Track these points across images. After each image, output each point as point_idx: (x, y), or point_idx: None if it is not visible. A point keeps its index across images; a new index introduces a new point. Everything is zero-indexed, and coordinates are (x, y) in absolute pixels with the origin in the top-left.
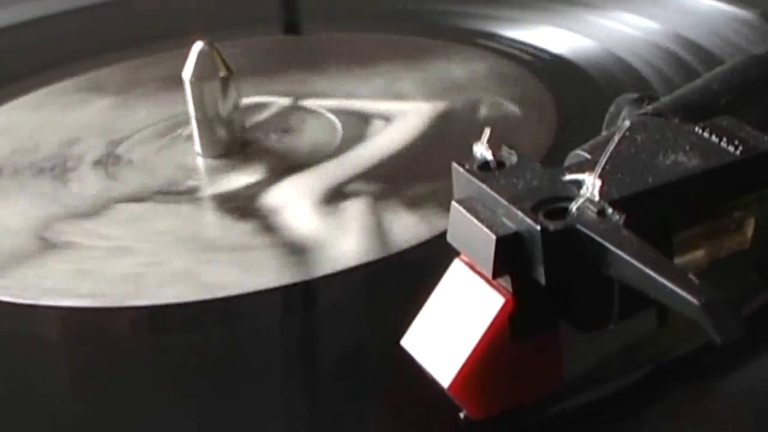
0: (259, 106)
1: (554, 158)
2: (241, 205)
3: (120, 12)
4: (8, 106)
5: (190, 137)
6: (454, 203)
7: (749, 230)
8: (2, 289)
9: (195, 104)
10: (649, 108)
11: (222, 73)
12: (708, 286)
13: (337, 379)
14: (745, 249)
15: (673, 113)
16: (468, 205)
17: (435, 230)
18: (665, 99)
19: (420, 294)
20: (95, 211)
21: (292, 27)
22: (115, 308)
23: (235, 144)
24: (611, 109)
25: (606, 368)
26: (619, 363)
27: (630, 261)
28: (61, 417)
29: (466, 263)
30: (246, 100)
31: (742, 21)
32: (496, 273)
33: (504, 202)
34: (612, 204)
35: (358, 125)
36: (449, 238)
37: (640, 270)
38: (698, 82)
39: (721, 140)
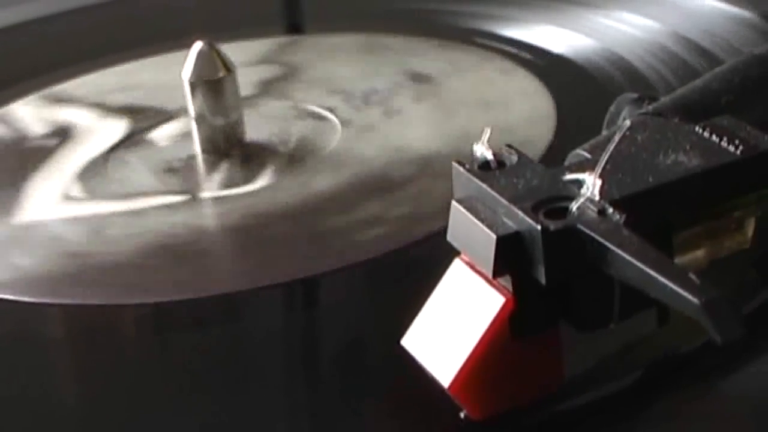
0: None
1: (554, 158)
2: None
3: (120, 12)
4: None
5: (189, 137)
6: (454, 203)
7: (750, 230)
8: None
9: (195, 104)
10: (650, 108)
11: (222, 73)
12: (708, 286)
13: (336, 378)
14: (745, 249)
15: (674, 113)
16: (468, 204)
17: (435, 229)
18: (665, 99)
19: (420, 293)
20: None
21: (293, 27)
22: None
23: (235, 144)
24: (611, 108)
25: (606, 368)
26: (619, 363)
27: (630, 260)
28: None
29: (467, 263)
30: (246, 100)
31: (743, 21)
32: (497, 272)
33: (504, 201)
34: (612, 203)
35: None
36: (449, 238)
37: (641, 269)
38: (698, 81)
39: (721, 140)
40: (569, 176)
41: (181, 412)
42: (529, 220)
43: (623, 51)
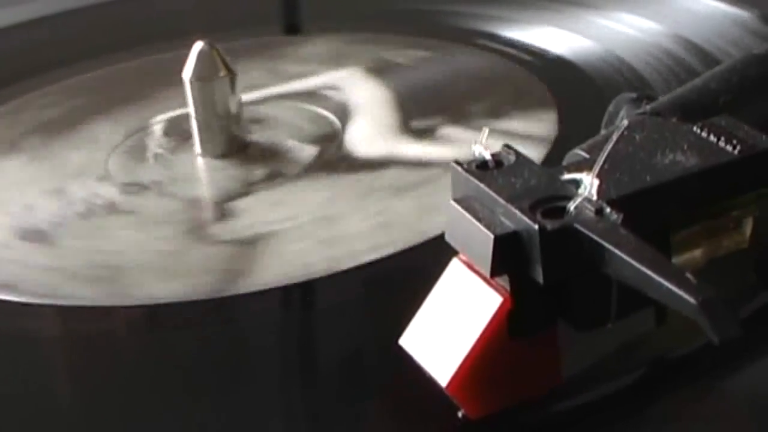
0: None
1: (554, 159)
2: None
3: (120, 12)
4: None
5: (189, 137)
6: (452, 202)
7: (747, 229)
8: None
9: (195, 104)
10: (648, 107)
11: (222, 73)
12: (706, 285)
13: (334, 378)
14: (743, 248)
15: (672, 112)
16: (466, 204)
17: (432, 230)
18: (664, 98)
19: (418, 293)
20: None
21: (292, 27)
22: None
23: (235, 144)
24: (610, 108)
25: (605, 368)
26: (618, 362)
27: (627, 260)
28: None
29: (464, 262)
30: (246, 100)
31: (742, 21)
32: (494, 272)
33: (502, 201)
34: (610, 203)
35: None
36: (447, 238)
37: (638, 269)
38: (697, 81)
39: (719, 139)
40: (567, 176)
41: (181, 412)
42: (527, 220)
43: (623, 52)
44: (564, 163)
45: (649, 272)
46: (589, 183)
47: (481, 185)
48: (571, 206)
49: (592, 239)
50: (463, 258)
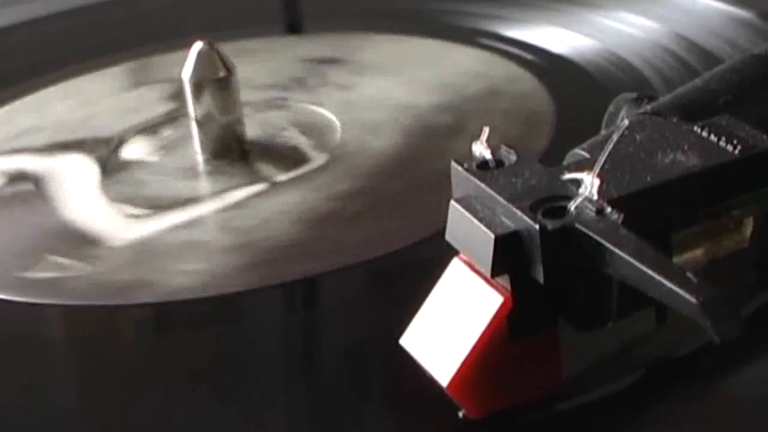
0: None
1: (554, 159)
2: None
3: (120, 12)
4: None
5: (189, 137)
6: (452, 202)
7: (748, 229)
8: None
9: (195, 104)
10: (648, 107)
11: (222, 73)
12: (706, 285)
13: (335, 377)
14: (744, 248)
15: (672, 112)
16: (467, 204)
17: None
18: (664, 98)
19: (419, 293)
20: None
21: (293, 27)
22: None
23: (235, 144)
24: (610, 108)
25: (606, 368)
26: (619, 363)
27: (628, 260)
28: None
29: (465, 262)
30: (246, 100)
31: (742, 21)
32: (495, 272)
33: (503, 201)
34: (611, 203)
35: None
36: (448, 237)
37: (639, 269)
38: (697, 81)
39: (719, 139)
40: (568, 175)
41: (181, 412)
42: (528, 220)
43: (623, 51)
44: (565, 162)
45: (649, 272)
46: (589, 183)
47: (482, 185)
48: (572, 206)
49: (592, 239)
50: (464, 258)
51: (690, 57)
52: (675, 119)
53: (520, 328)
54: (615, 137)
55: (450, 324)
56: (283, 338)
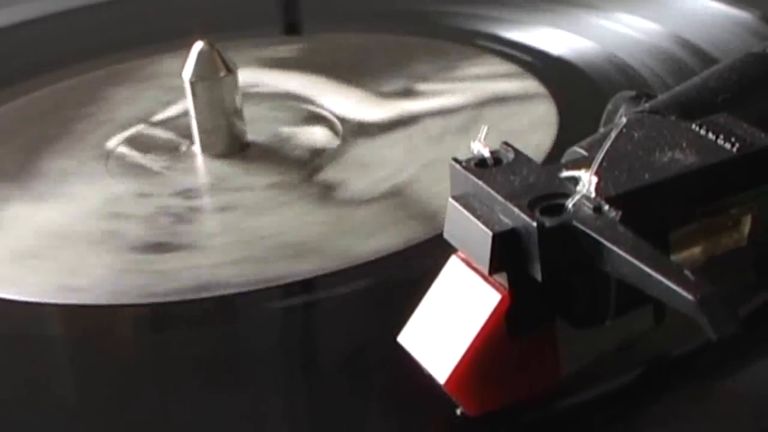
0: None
1: (554, 160)
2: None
3: (120, 12)
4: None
5: (189, 137)
6: (450, 200)
7: (746, 227)
8: None
9: (195, 104)
10: (646, 105)
11: (222, 73)
12: (703, 282)
13: (333, 375)
14: (742, 246)
15: (670, 110)
16: (465, 201)
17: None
18: (662, 96)
19: (417, 290)
20: None
21: (292, 27)
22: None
23: (235, 144)
24: (609, 106)
25: (603, 366)
26: (617, 361)
27: (626, 257)
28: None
29: (463, 260)
30: (246, 100)
31: (742, 22)
32: (493, 269)
33: (500, 198)
34: (608, 201)
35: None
36: (446, 235)
37: (636, 266)
38: (695, 79)
39: (717, 137)
40: (566, 173)
41: (182, 412)
42: (525, 217)
43: (623, 53)
44: (563, 160)
45: (647, 269)
46: (587, 180)
47: (480, 183)
48: (570, 204)
49: (590, 236)
50: (462, 255)
51: (690, 58)
52: (673, 117)
53: (518, 326)
54: (613, 135)
55: (448, 321)
56: (281, 337)
